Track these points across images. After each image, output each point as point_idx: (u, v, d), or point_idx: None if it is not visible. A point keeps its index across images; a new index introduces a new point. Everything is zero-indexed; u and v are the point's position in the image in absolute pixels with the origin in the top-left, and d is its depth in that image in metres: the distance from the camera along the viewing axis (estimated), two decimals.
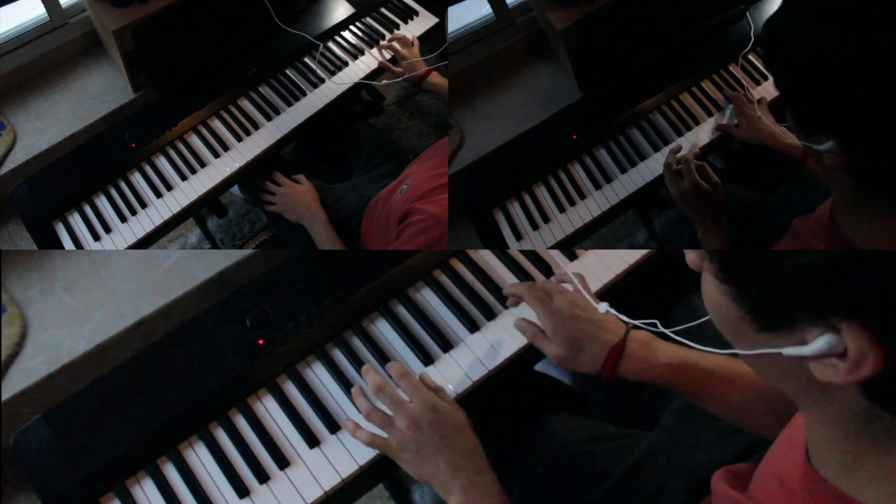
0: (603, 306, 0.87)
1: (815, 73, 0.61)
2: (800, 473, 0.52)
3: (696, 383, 0.79)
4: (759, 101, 1.33)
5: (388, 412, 0.80)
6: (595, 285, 0.98)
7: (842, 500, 0.47)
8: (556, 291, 0.84)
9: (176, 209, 1.32)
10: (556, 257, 1.02)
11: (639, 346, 0.80)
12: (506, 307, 0.96)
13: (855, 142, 0.62)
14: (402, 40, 1.51)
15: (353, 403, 0.86)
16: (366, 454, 0.87)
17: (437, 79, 1.43)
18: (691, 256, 0.53)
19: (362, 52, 1.54)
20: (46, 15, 1.59)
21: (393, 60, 1.51)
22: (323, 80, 1.49)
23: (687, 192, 1.03)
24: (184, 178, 1.36)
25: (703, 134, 1.36)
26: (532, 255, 1.02)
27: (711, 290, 0.50)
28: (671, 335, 0.74)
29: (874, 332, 0.41)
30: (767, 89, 1.41)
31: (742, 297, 0.47)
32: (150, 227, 1.31)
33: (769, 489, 0.55)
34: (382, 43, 1.54)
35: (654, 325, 0.78)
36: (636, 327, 0.82)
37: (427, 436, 0.76)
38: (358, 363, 0.93)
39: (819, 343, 0.43)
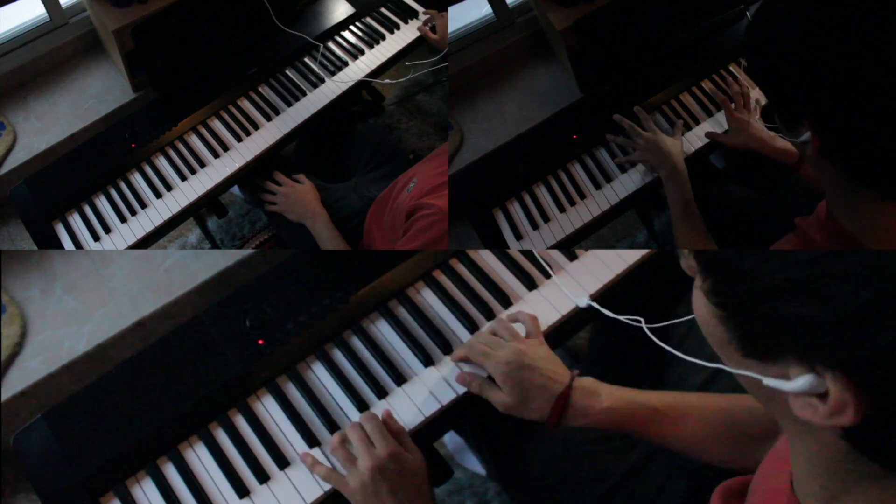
0: (583, 300, 0.88)
1: (788, 64, 0.61)
2: (783, 500, 0.51)
3: (642, 423, 0.80)
4: (756, 104, 1.33)
5: (353, 452, 0.82)
6: (595, 285, 0.98)
7: None
8: (501, 340, 0.86)
9: (176, 209, 1.32)
10: (556, 257, 1.02)
11: (583, 393, 0.81)
12: (489, 319, 0.96)
13: (826, 124, 0.62)
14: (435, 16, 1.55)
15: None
16: None
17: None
18: (688, 263, 0.53)
19: (362, 52, 1.54)
20: (46, 15, 1.60)
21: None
22: (323, 80, 1.49)
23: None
24: (184, 178, 1.36)
25: (703, 134, 1.36)
26: (532, 256, 1.02)
27: (700, 305, 0.49)
28: (651, 335, 0.74)
29: (859, 385, 0.40)
30: None
31: (731, 321, 0.46)
32: (150, 228, 1.31)
33: None
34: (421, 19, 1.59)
35: (639, 322, 0.79)
36: (581, 374, 0.83)
37: (386, 483, 0.78)
38: (358, 363, 0.93)
39: (800, 382, 0.42)
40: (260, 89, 1.49)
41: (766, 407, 0.51)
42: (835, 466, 0.46)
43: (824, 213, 0.72)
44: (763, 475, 0.58)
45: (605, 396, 0.81)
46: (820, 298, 0.40)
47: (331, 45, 1.56)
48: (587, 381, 0.83)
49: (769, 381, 0.45)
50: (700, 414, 0.78)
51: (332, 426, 0.89)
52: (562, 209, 1.28)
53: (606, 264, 1.00)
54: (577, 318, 0.96)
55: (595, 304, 0.88)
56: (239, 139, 1.41)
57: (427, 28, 1.53)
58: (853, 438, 0.43)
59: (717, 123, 1.36)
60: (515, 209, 1.28)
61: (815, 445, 0.47)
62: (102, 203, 1.33)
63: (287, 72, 1.51)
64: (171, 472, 0.87)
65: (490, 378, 0.86)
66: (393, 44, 1.57)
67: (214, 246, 1.71)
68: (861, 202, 0.66)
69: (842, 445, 0.44)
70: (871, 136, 0.60)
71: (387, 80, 1.53)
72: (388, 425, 0.85)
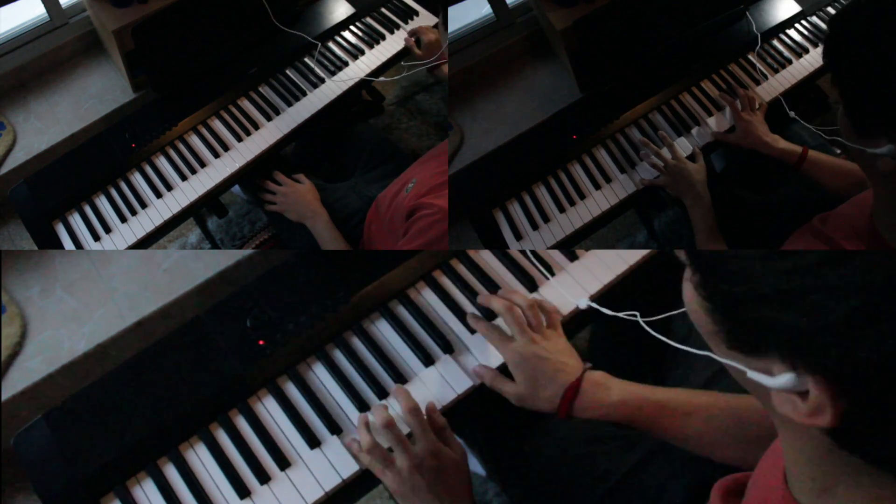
0: (583, 301, 0.88)
1: (880, 73, 0.60)
2: (779, 496, 0.51)
3: (650, 418, 0.81)
4: (759, 107, 1.33)
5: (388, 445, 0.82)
6: (595, 285, 0.98)
7: None
8: (519, 327, 0.87)
9: (176, 209, 1.32)
10: (556, 257, 1.02)
11: (593, 385, 0.82)
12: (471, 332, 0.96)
13: None
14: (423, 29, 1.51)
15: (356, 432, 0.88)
16: None
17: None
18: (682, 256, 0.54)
19: (362, 52, 1.54)
20: (46, 15, 1.59)
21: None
22: (323, 80, 1.49)
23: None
24: (184, 178, 1.36)
25: (702, 134, 1.36)
26: (532, 255, 1.02)
27: (689, 295, 0.50)
28: (647, 328, 0.75)
29: (839, 390, 0.41)
30: (767, 90, 1.41)
31: (717, 314, 0.47)
32: (150, 227, 1.31)
33: None
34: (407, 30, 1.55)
35: (635, 316, 0.79)
36: (589, 370, 0.84)
37: (425, 479, 0.79)
38: (358, 364, 0.93)
39: (782, 380, 0.43)
40: (260, 89, 1.49)
41: (758, 399, 0.51)
42: (823, 459, 0.47)
43: (864, 220, 0.71)
44: (761, 471, 0.58)
45: (615, 390, 0.82)
46: (805, 308, 0.40)
47: (331, 45, 1.56)
48: (599, 375, 0.84)
49: (752, 375, 0.46)
50: (708, 412, 0.79)
51: (333, 426, 0.89)
52: (562, 209, 1.28)
53: (607, 264, 1.00)
54: (577, 319, 0.96)
55: (594, 305, 0.89)
56: (239, 139, 1.41)
57: (413, 41, 1.49)
58: (835, 435, 0.44)
59: (717, 123, 1.36)
60: (515, 209, 1.28)
61: (802, 439, 0.48)
62: (102, 203, 1.33)
63: (287, 72, 1.51)
64: (172, 473, 0.87)
65: (502, 370, 0.87)
66: (393, 44, 1.57)
67: (214, 246, 1.71)
68: None
69: (826, 440, 0.45)
70: None
71: (383, 78, 1.53)
72: (433, 420, 0.84)
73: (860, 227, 0.72)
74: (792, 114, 1.34)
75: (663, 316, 0.77)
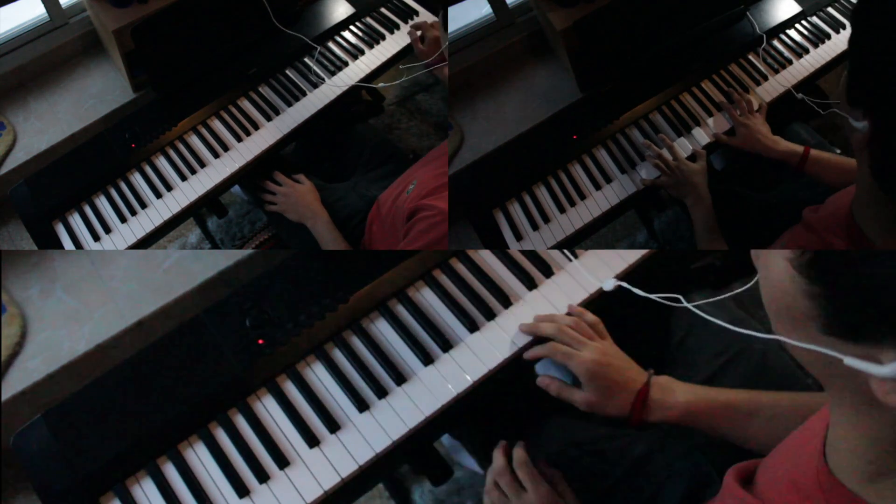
0: (610, 283, 0.89)
1: (890, 53, 0.60)
2: (814, 476, 0.51)
3: (716, 419, 0.82)
4: (759, 108, 1.34)
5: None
6: (595, 285, 0.98)
7: None
8: (581, 338, 0.88)
9: (176, 209, 1.32)
10: (556, 257, 1.02)
11: (660, 389, 0.85)
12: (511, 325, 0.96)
13: (884, 131, 0.61)
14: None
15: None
16: (365, 454, 0.87)
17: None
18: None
19: (362, 52, 1.54)
20: (46, 15, 1.60)
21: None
22: (323, 80, 1.49)
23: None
24: (184, 178, 1.36)
25: (702, 134, 1.36)
26: (532, 255, 1.02)
27: (780, 276, 0.47)
28: (694, 309, 0.77)
29: None
30: (767, 90, 1.41)
31: (823, 299, 0.45)
32: (150, 228, 1.31)
33: (782, 490, 0.55)
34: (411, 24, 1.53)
35: (678, 300, 0.82)
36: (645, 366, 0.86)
37: None
38: (358, 363, 0.93)
39: (892, 368, 0.42)
40: (260, 89, 1.49)
41: (821, 379, 0.50)
42: (887, 448, 0.47)
43: (843, 211, 0.72)
44: (781, 457, 0.59)
45: (681, 393, 0.84)
46: None
47: (331, 45, 1.56)
48: (663, 379, 0.86)
49: (852, 362, 0.44)
50: (772, 411, 0.79)
51: (333, 426, 0.89)
52: (562, 209, 1.28)
53: (607, 264, 1.00)
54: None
55: (625, 284, 0.91)
56: (239, 139, 1.41)
57: (417, 35, 1.48)
58: None
59: (716, 124, 1.36)
60: (515, 209, 1.28)
61: (871, 426, 0.47)
62: (102, 203, 1.33)
63: (287, 72, 1.51)
64: (171, 472, 0.87)
65: (571, 380, 0.89)
66: (393, 44, 1.57)
67: (214, 246, 1.71)
68: (887, 206, 0.66)
69: None
70: None
71: (380, 84, 1.53)
72: (545, 473, 0.86)
73: (841, 217, 0.72)
74: (800, 95, 1.35)
75: (711, 300, 0.78)
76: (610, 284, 0.93)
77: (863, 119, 0.63)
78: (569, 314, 0.94)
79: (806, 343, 0.47)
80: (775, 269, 0.48)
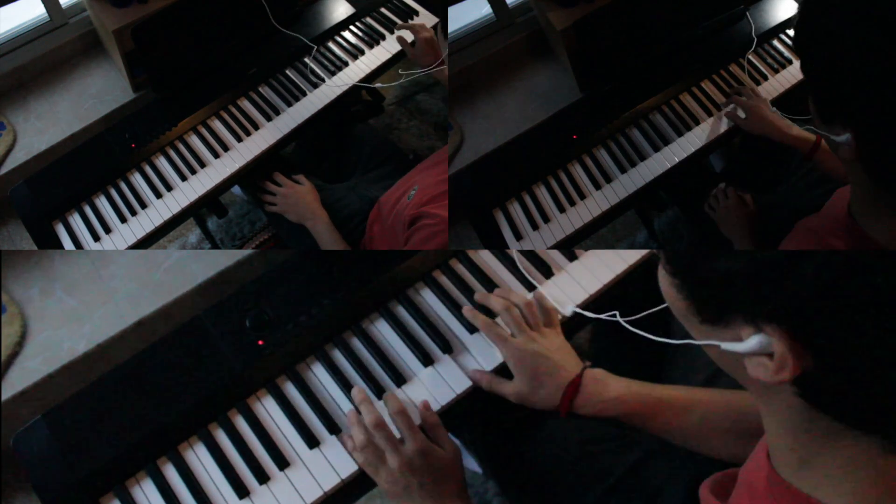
0: (570, 308, 0.89)
1: (843, 66, 0.60)
2: (763, 476, 0.52)
3: (649, 413, 0.82)
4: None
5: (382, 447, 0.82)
6: (595, 285, 0.98)
7: (800, 500, 0.48)
8: (518, 325, 0.87)
9: (176, 209, 1.32)
10: (556, 257, 1.02)
11: (593, 382, 0.84)
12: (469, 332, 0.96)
13: (869, 137, 0.62)
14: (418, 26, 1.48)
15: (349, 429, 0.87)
16: None
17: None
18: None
19: (362, 52, 1.54)
20: (46, 15, 1.60)
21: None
22: (323, 81, 1.49)
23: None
24: (184, 178, 1.36)
25: (702, 134, 1.36)
26: (532, 255, 1.02)
27: (663, 279, 0.52)
28: (628, 326, 0.79)
29: (794, 335, 0.42)
30: (767, 90, 1.41)
31: (684, 289, 0.49)
32: (150, 228, 1.31)
33: (739, 496, 0.56)
34: (399, 25, 1.52)
35: (614, 315, 0.83)
36: (588, 367, 0.86)
37: (417, 478, 0.79)
38: (357, 364, 0.93)
39: (751, 342, 0.45)
40: (260, 89, 1.49)
41: (734, 376, 0.52)
42: (799, 427, 0.48)
43: (843, 213, 0.72)
44: (752, 462, 0.59)
45: (614, 386, 0.84)
46: (744, 253, 0.44)
47: (331, 45, 1.56)
48: (598, 372, 0.85)
49: (726, 346, 0.47)
50: (706, 407, 0.80)
51: (332, 427, 0.89)
52: (562, 209, 1.28)
53: (607, 264, 1.00)
54: (577, 318, 0.96)
55: (578, 309, 0.92)
56: (239, 139, 1.41)
57: (408, 42, 1.41)
58: (807, 394, 0.45)
59: (716, 124, 1.36)
60: (515, 209, 1.28)
61: (780, 407, 0.48)
62: (102, 203, 1.33)
63: (287, 72, 1.51)
64: (171, 473, 0.87)
65: (498, 372, 0.88)
66: (393, 44, 1.57)
67: (214, 246, 1.71)
68: (891, 212, 0.66)
69: (798, 403, 0.46)
70: None
71: (380, 84, 1.52)
72: (425, 419, 0.85)
73: (841, 219, 0.72)
74: (773, 109, 1.34)
75: (642, 315, 0.79)
76: (569, 310, 0.93)
77: (843, 132, 0.63)
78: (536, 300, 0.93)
79: (700, 340, 0.51)
80: (661, 278, 0.52)
